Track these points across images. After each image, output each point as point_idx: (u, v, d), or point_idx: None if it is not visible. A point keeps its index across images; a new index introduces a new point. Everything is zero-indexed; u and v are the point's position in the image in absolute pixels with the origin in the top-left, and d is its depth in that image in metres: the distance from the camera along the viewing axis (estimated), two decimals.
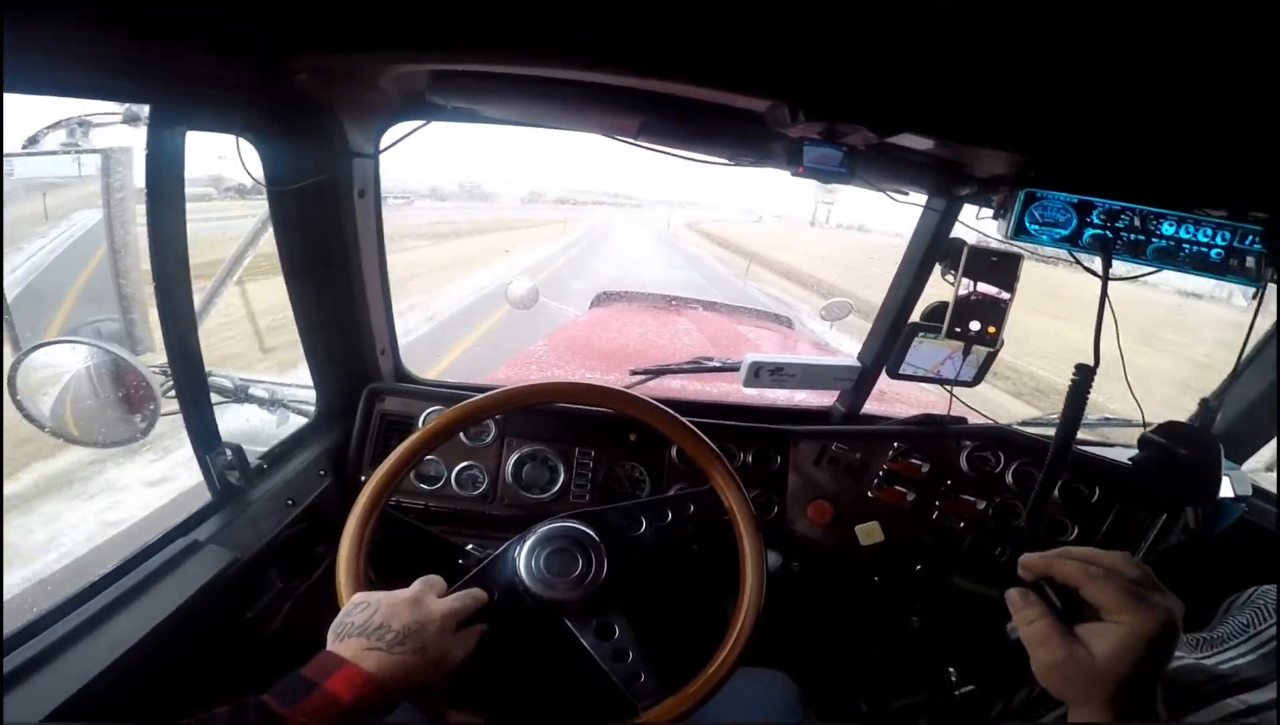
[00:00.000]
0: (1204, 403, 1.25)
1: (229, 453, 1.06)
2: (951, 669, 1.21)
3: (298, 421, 1.44)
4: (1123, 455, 1.44)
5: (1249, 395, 1.47)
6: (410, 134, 1.14)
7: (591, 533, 0.91)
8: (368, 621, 0.69)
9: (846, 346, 3.83)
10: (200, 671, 0.92)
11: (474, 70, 0.92)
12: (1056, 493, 1.34)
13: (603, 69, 0.85)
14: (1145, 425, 1.30)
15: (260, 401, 1.62)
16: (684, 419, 1.01)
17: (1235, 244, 0.83)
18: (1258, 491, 1.44)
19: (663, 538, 0.96)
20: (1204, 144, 0.80)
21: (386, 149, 1.16)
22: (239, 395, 1.60)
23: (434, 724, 0.72)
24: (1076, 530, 1.35)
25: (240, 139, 0.95)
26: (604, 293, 3.54)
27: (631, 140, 1.07)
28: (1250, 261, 0.82)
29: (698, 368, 1.72)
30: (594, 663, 0.84)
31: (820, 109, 0.78)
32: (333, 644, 0.68)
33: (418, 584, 0.77)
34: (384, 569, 1.27)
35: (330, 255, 1.20)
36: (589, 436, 1.39)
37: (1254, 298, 0.84)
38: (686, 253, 20.49)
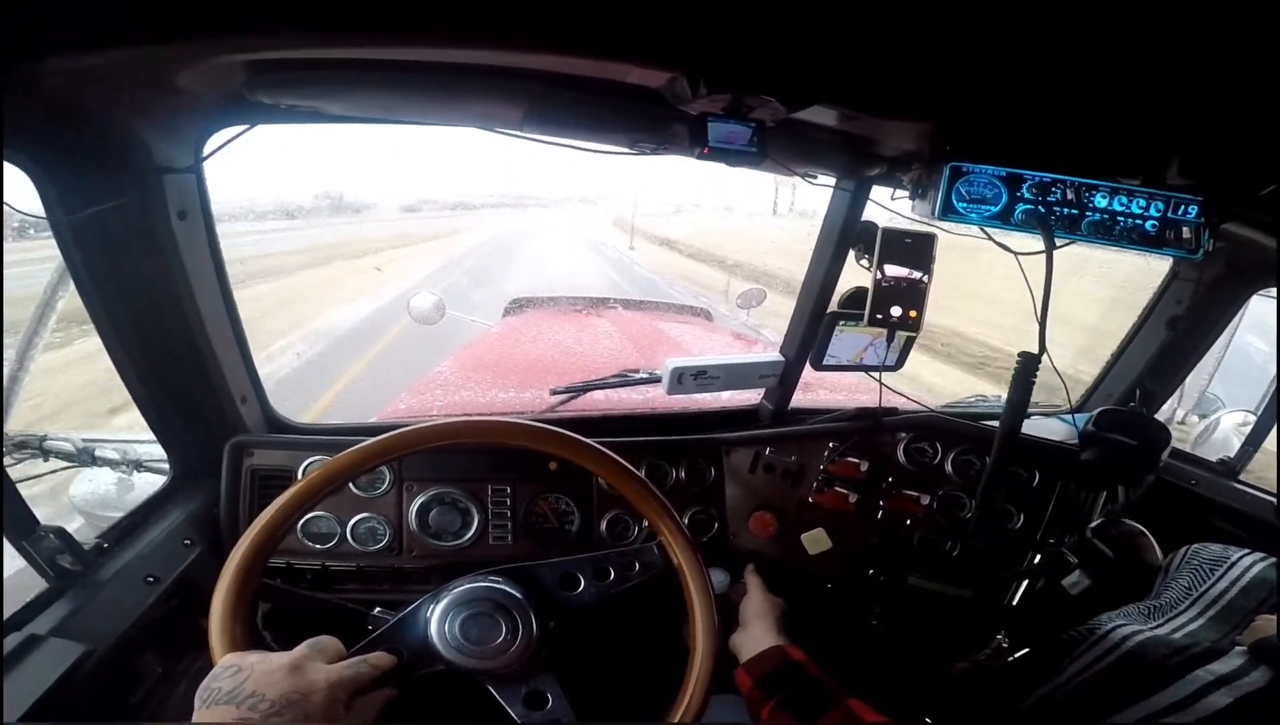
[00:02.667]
0: (1143, 386, 1.26)
1: (52, 536, 0.91)
2: (1002, 635, 1.17)
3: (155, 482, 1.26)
4: (1048, 426, 1.45)
5: (1143, 354, 1.52)
6: (231, 141, 0.94)
7: (517, 593, 0.82)
8: (237, 688, 0.61)
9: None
10: None
11: (302, 58, 0.76)
12: None
13: (469, 45, 0.72)
14: (1071, 405, 1.30)
15: (111, 463, 1.45)
16: (626, 464, 0.91)
17: (1170, 215, 0.79)
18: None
19: (605, 597, 0.87)
20: (1122, 109, 0.77)
21: (208, 157, 0.96)
22: (83, 458, 1.43)
23: None
24: (1022, 517, 1.33)
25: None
26: (517, 300, 3.37)
27: (516, 131, 0.94)
28: (1187, 232, 0.78)
29: (623, 382, 1.64)
30: None
31: (724, 79, 0.70)
32: (198, 711, 0.61)
33: (302, 647, 0.67)
34: (285, 640, 1.13)
35: (152, 294, 0.99)
36: (502, 470, 1.25)
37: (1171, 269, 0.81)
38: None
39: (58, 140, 0.80)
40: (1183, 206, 0.78)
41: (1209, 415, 2.06)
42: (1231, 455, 1.46)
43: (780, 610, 1.04)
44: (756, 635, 0.97)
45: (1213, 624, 1.03)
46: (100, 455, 1.47)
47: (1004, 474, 1.20)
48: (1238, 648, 0.93)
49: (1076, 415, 1.28)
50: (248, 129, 0.94)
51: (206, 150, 0.95)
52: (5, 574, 0.87)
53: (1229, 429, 1.86)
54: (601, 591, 0.87)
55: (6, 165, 0.76)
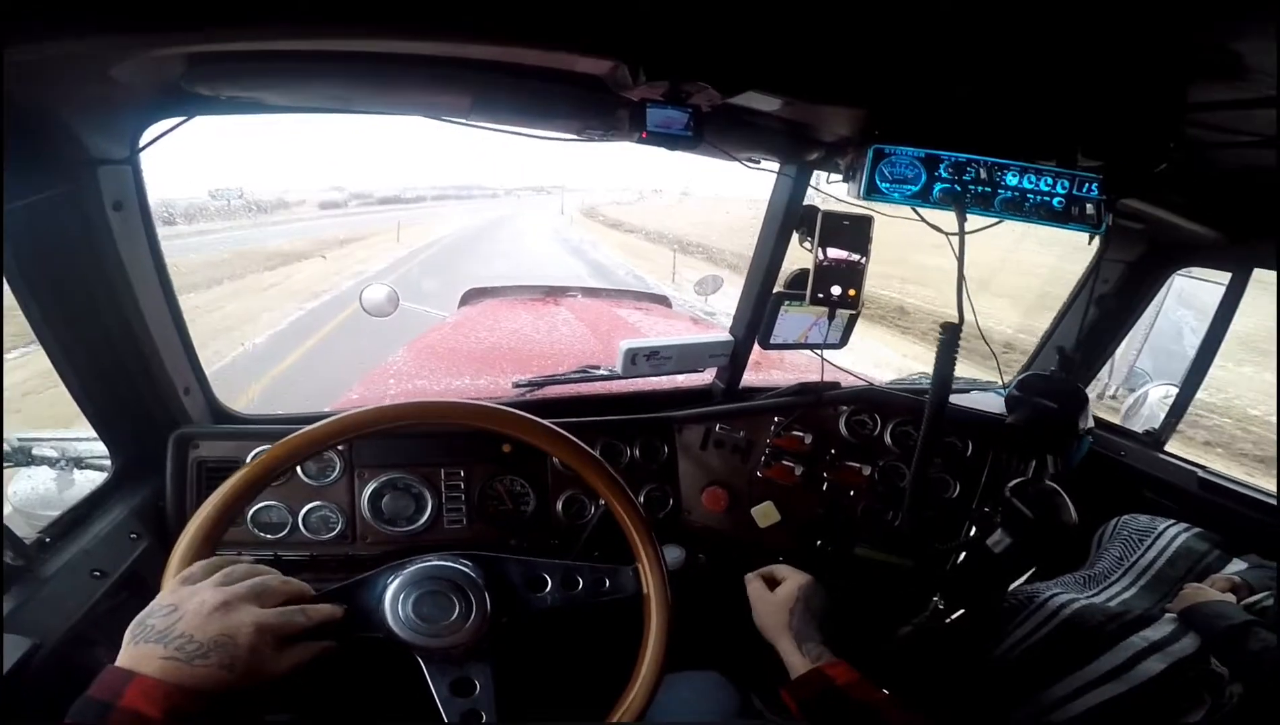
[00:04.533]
0: (1062, 351, 1.34)
1: None
2: (938, 598, 1.22)
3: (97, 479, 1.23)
4: (985, 400, 1.52)
5: (1075, 329, 1.62)
6: (168, 132, 0.93)
7: (477, 578, 0.79)
8: (168, 628, 0.61)
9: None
10: None
11: (242, 50, 0.75)
12: None
13: (413, 36, 0.73)
14: (1003, 377, 1.37)
15: (49, 461, 1.44)
16: (571, 437, 0.89)
17: (1075, 192, 0.85)
18: (1098, 422, 1.57)
19: (567, 606, 0.84)
20: (1034, 95, 0.82)
21: (144, 148, 0.93)
22: (19, 458, 1.44)
23: None
24: (958, 487, 1.40)
25: None
26: (473, 289, 3.30)
27: (464, 120, 0.94)
28: (1090, 209, 0.85)
29: (585, 377, 1.61)
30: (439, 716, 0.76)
31: (661, 67, 0.73)
32: (127, 646, 0.61)
33: (241, 586, 0.67)
34: None
35: (89, 287, 0.97)
36: (456, 454, 1.26)
37: (1090, 242, 0.87)
38: None
39: None
40: (1086, 184, 0.85)
41: (1137, 389, 2.16)
42: (1156, 427, 1.54)
43: (791, 613, 0.92)
44: (788, 652, 0.89)
45: (1144, 593, 1.11)
46: (37, 453, 1.43)
47: (937, 445, 1.27)
48: (1167, 615, 1.00)
49: (1010, 390, 1.36)
50: (185, 120, 0.92)
51: (143, 142, 0.93)
52: None
53: (1155, 402, 1.95)
54: (565, 600, 0.84)
55: None
